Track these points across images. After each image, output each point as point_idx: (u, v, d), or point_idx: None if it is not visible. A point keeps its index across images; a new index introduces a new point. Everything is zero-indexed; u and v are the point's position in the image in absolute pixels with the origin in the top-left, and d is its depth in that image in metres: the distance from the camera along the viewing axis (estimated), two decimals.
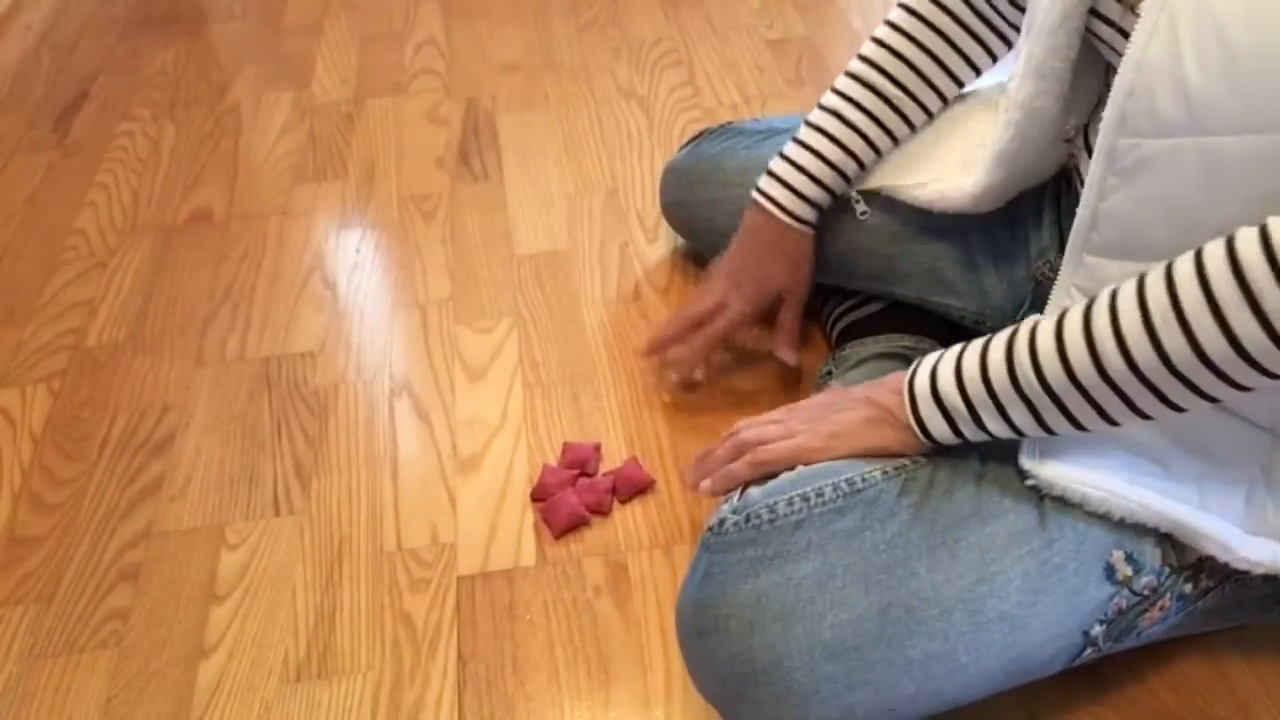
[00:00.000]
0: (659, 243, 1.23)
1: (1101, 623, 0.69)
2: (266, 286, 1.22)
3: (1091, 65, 0.75)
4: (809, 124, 0.92)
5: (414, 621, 0.87)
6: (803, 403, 0.79)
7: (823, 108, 0.92)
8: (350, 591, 0.89)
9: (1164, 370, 0.58)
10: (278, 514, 0.96)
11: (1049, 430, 0.66)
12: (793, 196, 0.93)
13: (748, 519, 0.70)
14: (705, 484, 0.76)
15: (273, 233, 1.30)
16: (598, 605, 0.87)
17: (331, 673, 0.84)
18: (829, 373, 0.97)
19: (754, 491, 0.72)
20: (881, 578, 0.66)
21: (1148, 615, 0.71)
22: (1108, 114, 0.64)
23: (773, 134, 1.08)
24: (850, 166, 0.92)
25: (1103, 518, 0.69)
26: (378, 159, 1.41)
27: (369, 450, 1.02)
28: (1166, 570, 0.70)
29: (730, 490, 0.74)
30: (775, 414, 0.78)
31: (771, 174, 0.94)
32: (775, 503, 0.70)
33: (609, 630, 0.86)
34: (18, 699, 0.84)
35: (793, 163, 0.92)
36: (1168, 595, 0.71)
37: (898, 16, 0.90)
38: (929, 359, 0.71)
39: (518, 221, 1.28)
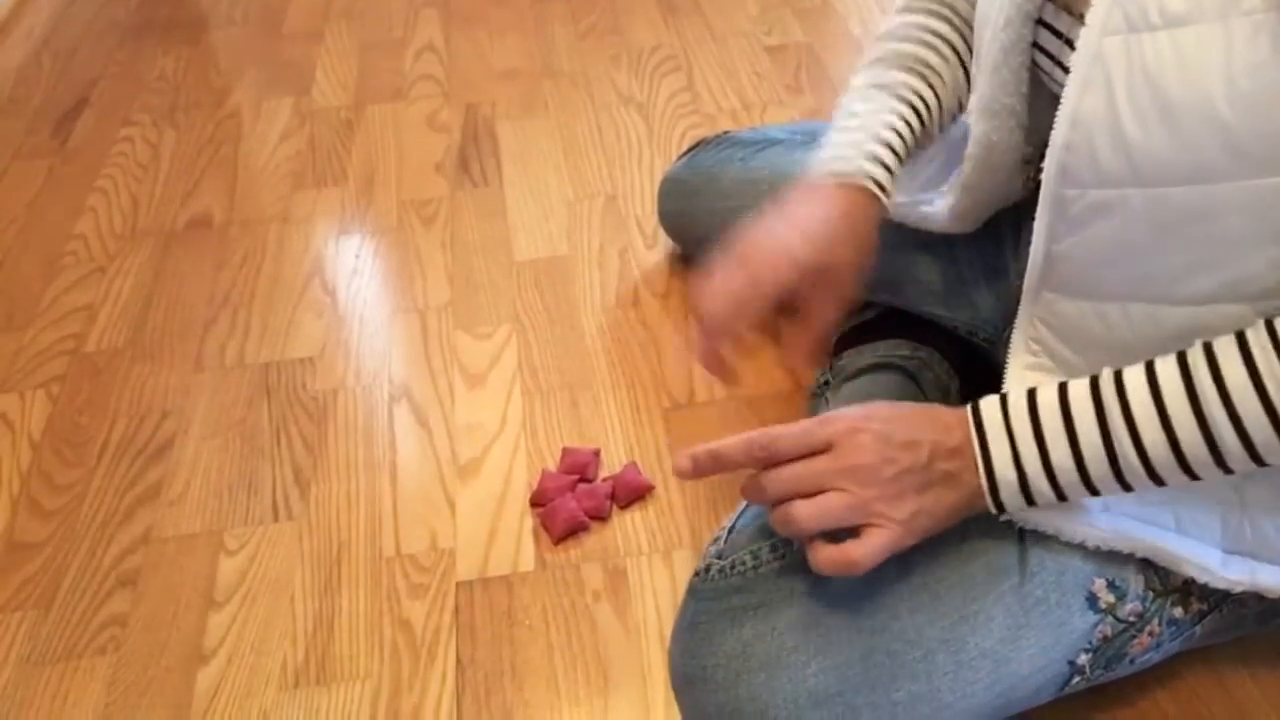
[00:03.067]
0: (658, 249, 1.23)
1: (1087, 651, 0.69)
2: (266, 292, 1.22)
3: (1049, 94, 0.75)
4: (853, 103, 0.81)
5: (413, 627, 0.87)
6: (866, 455, 0.64)
7: (866, 86, 0.81)
8: (349, 597, 0.89)
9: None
10: (276, 519, 0.96)
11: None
12: (862, 161, 0.77)
13: (733, 566, 0.70)
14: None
15: (272, 238, 1.30)
16: (597, 611, 0.87)
17: (330, 679, 0.84)
18: (826, 382, 0.97)
19: (740, 535, 0.72)
20: (864, 623, 0.66)
21: (1137, 641, 0.71)
22: (1048, 166, 0.64)
23: (769, 144, 1.08)
24: (915, 124, 0.80)
25: (1081, 548, 0.69)
26: (377, 165, 1.41)
27: (368, 456, 1.02)
28: (1151, 595, 0.70)
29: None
30: (823, 467, 0.64)
31: (826, 151, 0.79)
32: (759, 548, 0.70)
33: (608, 636, 0.85)
34: (15, 705, 0.84)
35: (849, 130, 0.79)
36: (1155, 620, 0.71)
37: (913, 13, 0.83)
38: (1001, 443, 0.64)
39: (517, 227, 1.28)
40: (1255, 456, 0.59)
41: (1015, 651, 0.67)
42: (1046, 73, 0.69)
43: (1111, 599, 0.69)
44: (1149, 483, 0.62)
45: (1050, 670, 0.69)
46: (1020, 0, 0.68)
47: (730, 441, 0.66)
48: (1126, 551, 0.69)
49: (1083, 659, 0.69)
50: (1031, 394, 0.64)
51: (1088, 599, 0.69)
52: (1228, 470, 0.60)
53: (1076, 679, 0.70)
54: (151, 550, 0.94)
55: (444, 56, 1.63)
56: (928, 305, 0.95)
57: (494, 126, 1.46)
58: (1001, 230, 0.88)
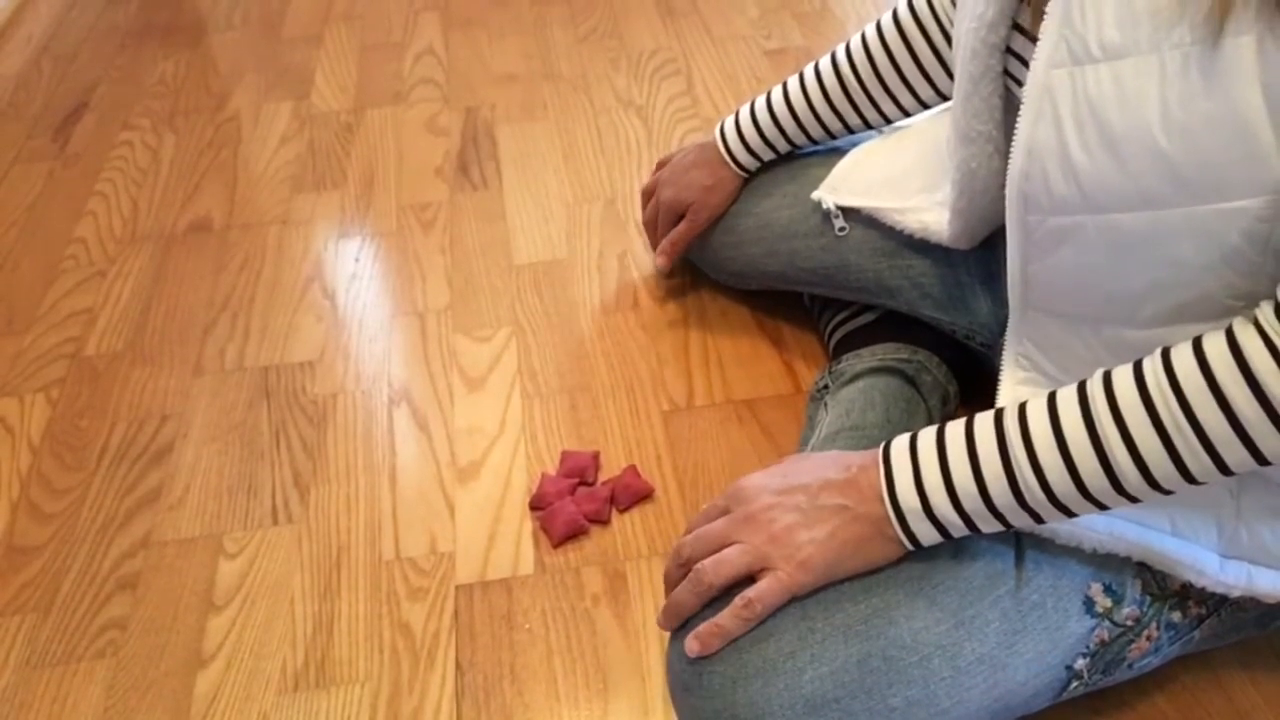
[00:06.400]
0: None
1: (1084, 656, 0.69)
2: (265, 296, 1.22)
3: None
4: (786, 95, 1.02)
5: (412, 630, 0.87)
6: (754, 504, 0.69)
7: (804, 87, 1.01)
8: (348, 600, 0.89)
9: (1183, 481, 0.59)
10: (276, 523, 0.96)
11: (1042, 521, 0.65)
12: (747, 154, 1.05)
13: None
14: (695, 645, 0.67)
15: (272, 242, 1.30)
16: (596, 614, 0.87)
17: (330, 682, 0.84)
18: (825, 386, 0.98)
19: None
20: (860, 628, 0.66)
21: (1135, 646, 0.71)
22: (1009, 194, 0.65)
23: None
24: (801, 144, 1.04)
25: (1078, 551, 0.69)
26: (377, 168, 1.41)
27: (367, 459, 1.02)
28: (1148, 599, 0.70)
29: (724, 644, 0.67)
30: (720, 525, 0.70)
31: (738, 123, 1.05)
32: None
33: (607, 639, 0.85)
34: (15, 709, 0.84)
35: (758, 125, 1.03)
36: (1153, 624, 0.71)
37: (883, 21, 0.95)
38: (904, 470, 0.66)
39: (516, 231, 1.28)
40: (1153, 483, 0.59)
41: (1012, 656, 0.67)
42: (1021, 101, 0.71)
43: (1108, 603, 0.69)
44: (1056, 513, 0.63)
45: (1047, 675, 0.68)
46: (985, 33, 0.70)
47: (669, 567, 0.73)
48: (1123, 554, 0.69)
49: (1080, 664, 0.69)
50: (941, 427, 0.66)
51: (1084, 603, 0.69)
52: (1132, 499, 0.61)
53: (1075, 684, 0.70)
54: (151, 554, 0.94)
55: (443, 60, 1.63)
56: (926, 309, 0.95)
57: (493, 130, 1.46)
58: (998, 235, 0.89)
